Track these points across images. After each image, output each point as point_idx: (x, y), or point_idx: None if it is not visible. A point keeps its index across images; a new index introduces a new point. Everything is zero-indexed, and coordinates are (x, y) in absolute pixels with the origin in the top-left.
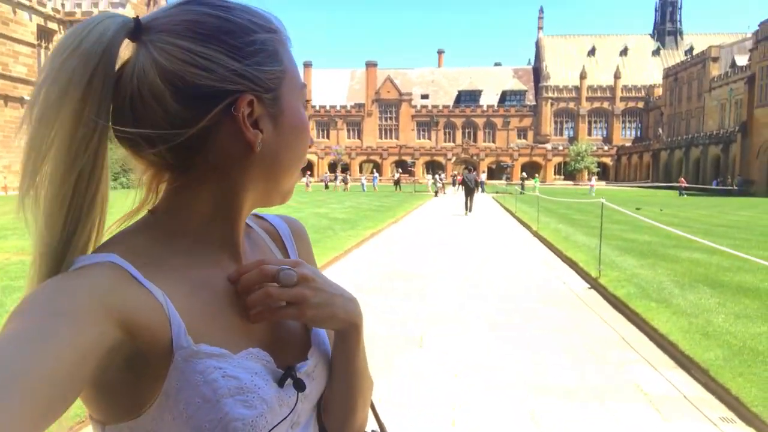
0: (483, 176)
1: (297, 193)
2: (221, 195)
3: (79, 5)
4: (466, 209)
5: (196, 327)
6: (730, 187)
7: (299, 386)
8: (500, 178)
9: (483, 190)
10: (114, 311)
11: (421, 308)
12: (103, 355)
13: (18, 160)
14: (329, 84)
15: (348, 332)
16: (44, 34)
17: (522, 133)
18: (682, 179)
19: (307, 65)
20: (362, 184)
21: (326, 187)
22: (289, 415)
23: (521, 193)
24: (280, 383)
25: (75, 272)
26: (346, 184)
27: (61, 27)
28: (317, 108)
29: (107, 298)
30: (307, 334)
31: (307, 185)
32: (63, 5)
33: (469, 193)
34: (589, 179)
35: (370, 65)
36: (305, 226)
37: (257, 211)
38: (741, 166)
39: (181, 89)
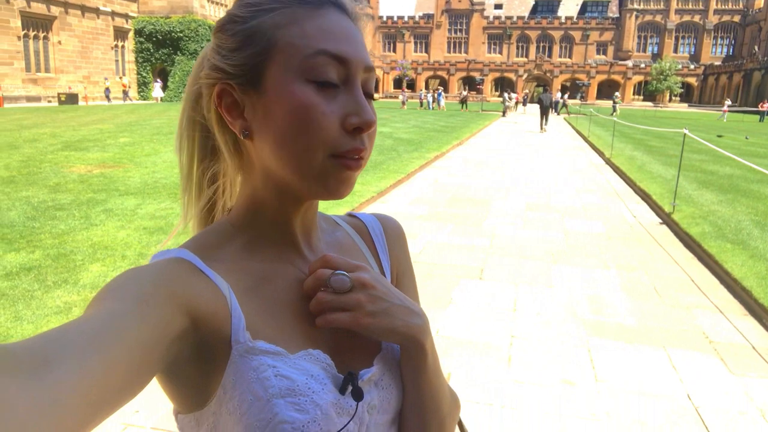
0: (558, 95)
1: None
2: (258, 188)
3: None
4: (541, 128)
5: (255, 323)
6: None
7: (357, 395)
8: (575, 98)
9: (558, 111)
10: (179, 298)
11: (483, 236)
12: (171, 340)
13: (96, 71)
14: None
15: (412, 349)
16: None
17: (602, 48)
18: (764, 102)
19: None
20: (428, 102)
21: (421, 105)
22: (348, 424)
23: (612, 114)
24: (342, 390)
25: (146, 265)
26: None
27: None
28: (384, 19)
29: (172, 287)
30: (378, 340)
31: (402, 103)
32: None
33: (544, 111)
34: (722, 104)
35: None
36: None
37: (353, 211)
38: None
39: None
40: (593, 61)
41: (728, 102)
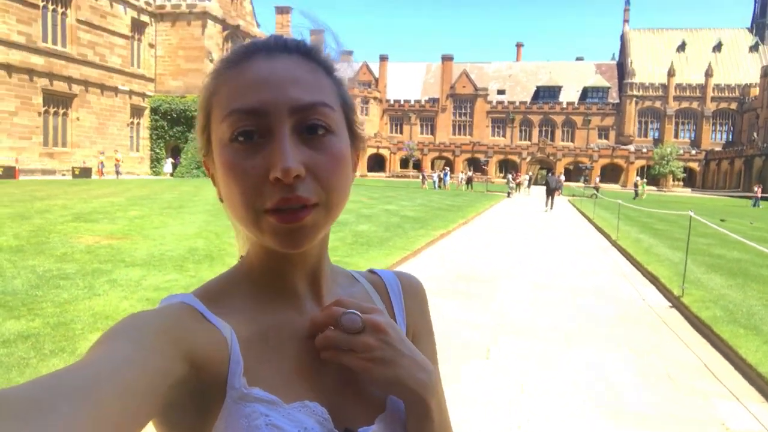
0: (562, 177)
1: (369, 189)
2: (251, 238)
3: None
4: (547, 206)
5: (254, 369)
6: None
7: None
8: (577, 180)
9: (560, 192)
10: (179, 344)
11: (490, 315)
12: (169, 387)
13: (112, 146)
14: (404, 78)
15: (417, 407)
16: (137, 26)
17: (603, 132)
18: (758, 187)
19: (383, 59)
20: (434, 182)
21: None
22: None
23: (635, 199)
24: None
25: (150, 310)
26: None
27: (152, 19)
28: (391, 102)
29: (173, 332)
30: (383, 398)
31: (423, 182)
32: None
33: (550, 192)
34: (756, 186)
35: (446, 59)
36: (421, 287)
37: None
38: None
39: None
40: (595, 145)
41: (757, 188)
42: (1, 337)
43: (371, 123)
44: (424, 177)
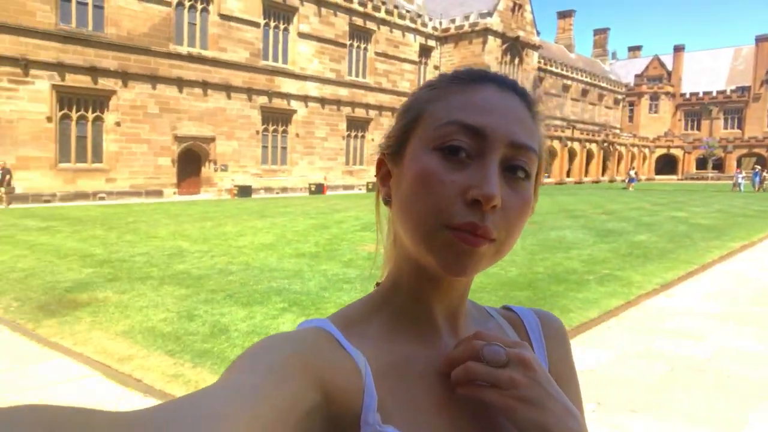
0: None
1: (654, 193)
2: (399, 261)
3: (453, 21)
4: None
5: (388, 405)
6: None
7: None
8: None
9: None
10: (313, 371)
11: None
12: (301, 416)
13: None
14: (705, 67)
15: None
16: (424, 51)
17: None
18: None
19: (678, 49)
20: (739, 184)
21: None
22: None
23: None
24: None
25: (286, 333)
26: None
27: (437, 43)
28: (687, 96)
29: (308, 359)
30: None
31: (734, 185)
32: (440, 23)
33: None
34: None
35: (762, 40)
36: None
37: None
38: None
39: None
40: None
41: None
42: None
43: (661, 120)
44: (737, 181)
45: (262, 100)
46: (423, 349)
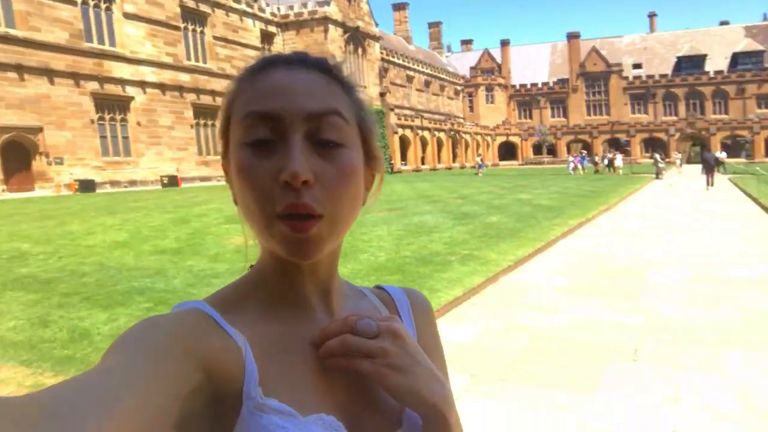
0: (722, 154)
1: (500, 178)
2: (262, 247)
3: (291, 7)
4: (708, 185)
5: (269, 379)
6: None
7: None
8: (738, 156)
9: (725, 170)
10: (193, 352)
11: (636, 313)
12: (184, 397)
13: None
14: (529, 61)
15: (433, 422)
16: (266, 37)
17: (763, 101)
18: None
19: (504, 44)
20: (568, 166)
21: (596, 171)
22: None
23: None
24: None
25: (162, 316)
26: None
27: (279, 29)
28: (517, 87)
29: (187, 340)
30: (399, 413)
31: (574, 169)
32: (279, 9)
33: (710, 170)
34: None
35: (572, 36)
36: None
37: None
38: None
39: None
40: (755, 115)
41: None
42: None
43: (498, 110)
44: (576, 165)
45: (93, 86)
46: (299, 325)
